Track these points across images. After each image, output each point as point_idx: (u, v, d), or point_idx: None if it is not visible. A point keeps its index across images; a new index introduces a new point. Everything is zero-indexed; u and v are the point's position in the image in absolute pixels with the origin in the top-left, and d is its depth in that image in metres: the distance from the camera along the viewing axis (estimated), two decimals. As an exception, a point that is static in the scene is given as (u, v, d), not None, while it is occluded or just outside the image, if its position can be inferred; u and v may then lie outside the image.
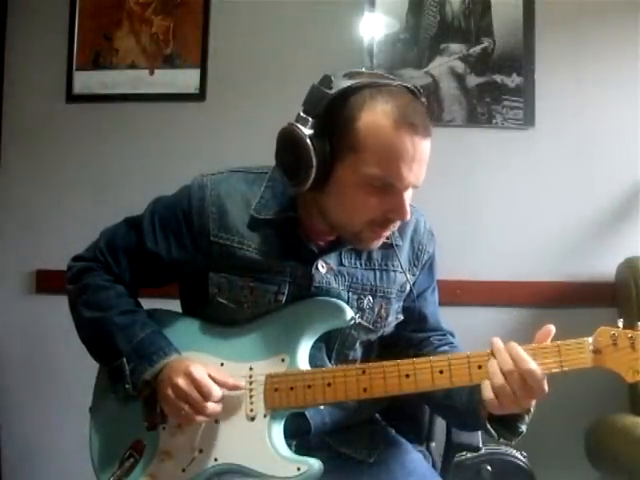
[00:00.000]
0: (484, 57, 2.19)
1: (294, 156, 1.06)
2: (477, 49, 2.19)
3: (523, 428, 1.08)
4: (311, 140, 1.05)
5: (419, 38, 2.21)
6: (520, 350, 1.01)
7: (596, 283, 2.12)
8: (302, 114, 1.07)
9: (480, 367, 1.04)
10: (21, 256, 2.29)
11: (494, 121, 2.18)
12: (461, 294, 2.09)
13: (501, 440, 1.11)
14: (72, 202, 2.27)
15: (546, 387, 1.00)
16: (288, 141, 1.07)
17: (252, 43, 2.24)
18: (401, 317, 1.26)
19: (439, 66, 2.20)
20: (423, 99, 1.11)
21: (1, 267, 2.29)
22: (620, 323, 1.03)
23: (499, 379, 1.00)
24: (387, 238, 1.18)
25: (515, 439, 1.09)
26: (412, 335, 1.29)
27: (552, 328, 1.04)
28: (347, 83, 1.05)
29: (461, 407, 1.14)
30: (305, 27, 2.23)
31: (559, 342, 1.04)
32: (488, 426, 1.08)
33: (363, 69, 1.12)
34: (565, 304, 2.13)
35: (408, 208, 1.08)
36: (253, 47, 2.24)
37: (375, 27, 2.21)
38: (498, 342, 1.03)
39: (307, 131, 1.05)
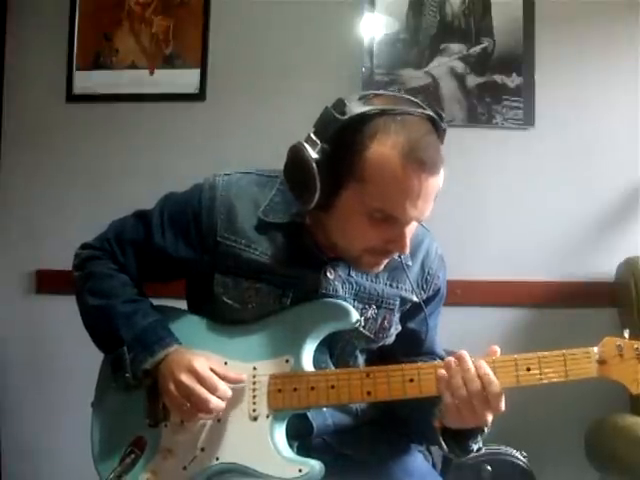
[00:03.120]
0: (484, 57, 2.19)
1: (299, 177, 1.06)
2: (477, 49, 2.19)
3: (474, 447, 1.12)
4: (317, 164, 1.03)
5: (419, 38, 2.21)
6: (485, 365, 1.03)
7: (596, 283, 2.12)
8: (312, 135, 1.06)
9: None
10: (21, 256, 2.28)
11: (494, 121, 2.18)
12: (461, 294, 2.08)
13: (452, 455, 1.14)
14: (72, 202, 2.27)
15: (503, 406, 1.03)
16: (295, 161, 1.07)
17: (252, 43, 2.24)
18: (399, 327, 1.26)
19: (439, 66, 2.20)
20: (444, 125, 1.07)
21: (1, 267, 2.29)
22: (626, 334, 1.04)
23: (462, 391, 1.02)
24: (398, 257, 1.17)
25: (463, 456, 1.13)
26: (402, 358, 1.28)
27: (497, 349, 1.06)
28: (361, 109, 1.02)
29: (416, 417, 1.18)
30: (305, 27, 2.23)
31: (564, 351, 1.04)
32: (440, 438, 1.11)
33: (382, 91, 1.10)
34: (565, 304, 2.13)
35: (408, 242, 1.07)
36: (253, 47, 2.24)
37: (375, 27, 2.21)
38: (466, 355, 1.05)
39: (314, 154, 1.03)
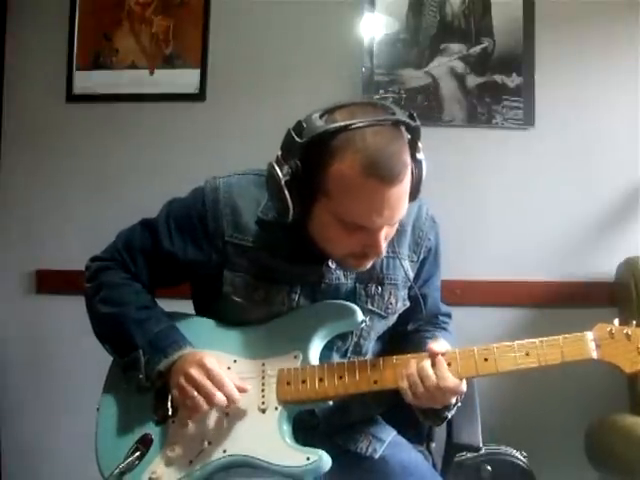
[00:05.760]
0: (484, 57, 2.19)
1: (273, 196, 1.11)
2: (477, 49, 2.19)
3: (448, 415, 1.18)
4: (287, 184, 1.07)
5: (419, 38, 2.21)
6: (444, 366, 1.08)
7: (596, 283, 2.12)
8: (279, 157, 1.09)
9: (486, 360, 1.08)
10: (21, 256, 2.28)
11: (494, 121, 2.18)
12: (461, 294, 2.09)
13: (428, 423, 1.21)
14: (72, 202, 2.27)
15: (464, 387, 1.09)
16: (268, 182, 1.11)
17: (252, 43, 2.24)
18: (407, 303, 1.29)
19: (439, 66, 2.20)
20: (414, 124, 1.07)
21: (1, 267, 2.29)
22: (616, 322, 1.09)
23: (419, 387, 1.07)
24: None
25: (440, 423, 1.20)
26: (404, 327, 1.33)
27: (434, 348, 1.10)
28: (318, 129, 1.04)
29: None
30: (305, 27, 2.23)
31: (560, 336, 1.09)
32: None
33: (349, 102, 1.11)
34: (565, 304, 2.13)
35: (383, 246, 1.10)
36: (253, 47, 2.24)
37: (375, 27, 2.21)
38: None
39: (282, 176, 1.07)
